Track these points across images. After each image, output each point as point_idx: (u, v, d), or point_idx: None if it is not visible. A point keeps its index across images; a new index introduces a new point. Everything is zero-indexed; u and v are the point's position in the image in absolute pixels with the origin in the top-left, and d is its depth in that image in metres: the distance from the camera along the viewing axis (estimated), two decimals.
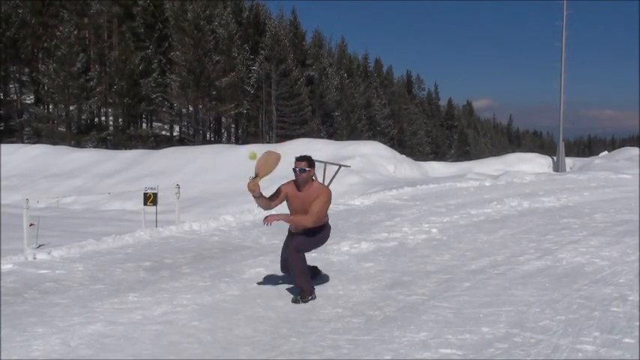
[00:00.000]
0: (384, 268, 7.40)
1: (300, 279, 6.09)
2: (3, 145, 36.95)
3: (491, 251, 8.29)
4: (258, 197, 5.99)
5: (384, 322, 5.25)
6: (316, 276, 6.66)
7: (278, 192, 6.21)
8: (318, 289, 6.30)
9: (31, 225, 10.82)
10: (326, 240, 6.42)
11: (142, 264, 7.66)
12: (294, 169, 6.09)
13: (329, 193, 6.17)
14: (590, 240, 8.92)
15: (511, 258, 7.80)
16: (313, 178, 6.23)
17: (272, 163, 6.02)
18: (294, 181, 6.18)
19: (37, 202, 20.93)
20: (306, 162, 6.10)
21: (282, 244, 8.79)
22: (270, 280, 6.81)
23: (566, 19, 33.04)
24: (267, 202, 6.12)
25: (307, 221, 6.04)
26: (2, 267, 7.23)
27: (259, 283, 6.65)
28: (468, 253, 8.25)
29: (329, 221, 6.39)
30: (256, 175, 5.93)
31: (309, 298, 6.02)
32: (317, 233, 6.21)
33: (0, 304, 5.69)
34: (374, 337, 4.85)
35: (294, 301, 5.98)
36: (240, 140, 63.65)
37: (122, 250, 8.54)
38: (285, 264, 6.38)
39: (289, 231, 6.44)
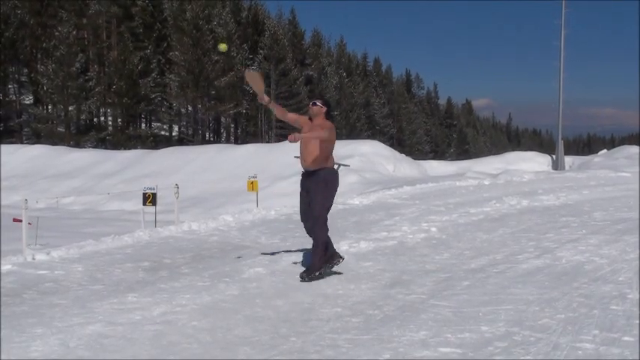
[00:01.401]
0: (383, 267, 7.39)
1: (316, 254, 6.62)
2: (2, 146, 36.96)
3: (490, 250, 8.29)
4: (270, 104, 6.88)
5: (383, 321, 5.24)
6: (332, 261, 6.96)
7: (301, 116, 7.18)
8: (317, 289, 6.30)
9: (29, 224, 10.82)
10: (338, 185, 6.92)
11: (141, 264, 7.65)
12: (309, 103, 7.01)
13: (333, 125, 6.87)
14: (590, 238, 8.91)
15: (510, 257, 7.80)
16: (326, 117, 6.92)
17: (258, 80, 6.91)
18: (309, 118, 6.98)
19: (37, 202, 20.91)
20: (321, 100, 6.94)
21: (281, 243, 8.80)
22: (269, 279, 6.80)
23: (565, 17, 33.08)
24: (282, 110, 7.07)
25: (321, 134, 6.69)
26: (1, 268, 7.22)
27: (258, 283, 6.65)
28: (467, 251, 8.24)
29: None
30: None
31: (317, 274, 6.48)
32: (329, 181, 6.76)
33: (0, 305, 5.69)
34: (373, 336, 4.85)
35: (301, 276, 6.50)
36: (240, 140, 63.69)
37: (121, 251, 8.53)
38: (305, 217, 6.91)
39: (302, 175, 6.94)
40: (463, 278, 6.68)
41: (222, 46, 6.48)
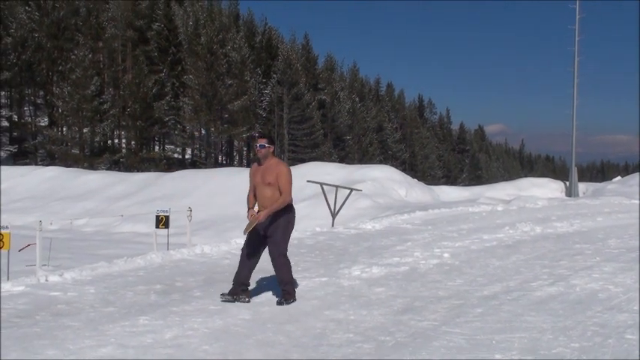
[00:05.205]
0: (395, 293, 7.36)
1: (288, 284, 6.79)
2: (17, 167, 37.26)
3: (503, 277, 8.23)
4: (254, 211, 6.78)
5: (395, 347, 5.21)
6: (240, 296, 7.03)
7: (251, 182, 6.91)
8: (329, 315, 6.28)
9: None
10: (294, 220, 6.91)
11: (153, 287, 7.65)
12: (255, 146, 6.95)
13: (287, 168, 6.80)
14: (604, 266, 8.83)
15: (524, 284, 7.74)
16: (274, 154, 6.88)
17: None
18: (257, 160, 6.93)
19: (50, 224, 21.01)
20: (266, 139, 6.82)
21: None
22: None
23: (578, 45, 33.02)
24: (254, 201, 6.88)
25: (284, 201, 6.67)
26: (14, 289, 7.25)
27: (270, 307, 6.63)
28: (480, 278, 8.19)
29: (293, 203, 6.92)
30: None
31: (292, 300, 6.73)
32: (285, 219, 6.76)
33: (0, 323, 5.70)
34: None
35: (279, 303, 6.68)
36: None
37: (134, 273, 8.54)
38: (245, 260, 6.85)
39: (253, 228, 6.76)
40: (476, 305, 6.64)
41: None
